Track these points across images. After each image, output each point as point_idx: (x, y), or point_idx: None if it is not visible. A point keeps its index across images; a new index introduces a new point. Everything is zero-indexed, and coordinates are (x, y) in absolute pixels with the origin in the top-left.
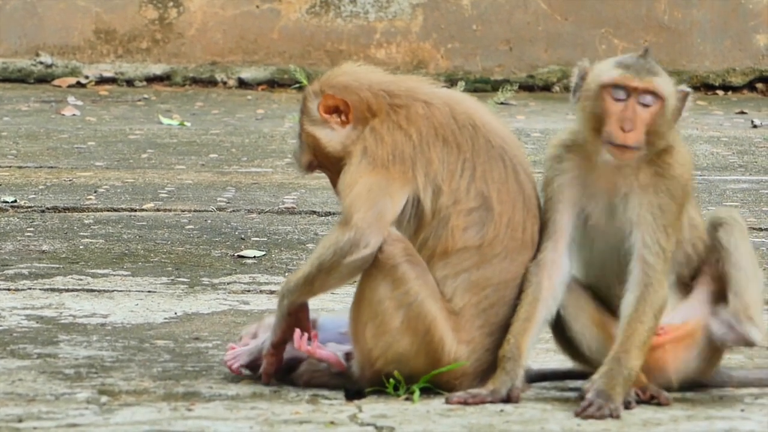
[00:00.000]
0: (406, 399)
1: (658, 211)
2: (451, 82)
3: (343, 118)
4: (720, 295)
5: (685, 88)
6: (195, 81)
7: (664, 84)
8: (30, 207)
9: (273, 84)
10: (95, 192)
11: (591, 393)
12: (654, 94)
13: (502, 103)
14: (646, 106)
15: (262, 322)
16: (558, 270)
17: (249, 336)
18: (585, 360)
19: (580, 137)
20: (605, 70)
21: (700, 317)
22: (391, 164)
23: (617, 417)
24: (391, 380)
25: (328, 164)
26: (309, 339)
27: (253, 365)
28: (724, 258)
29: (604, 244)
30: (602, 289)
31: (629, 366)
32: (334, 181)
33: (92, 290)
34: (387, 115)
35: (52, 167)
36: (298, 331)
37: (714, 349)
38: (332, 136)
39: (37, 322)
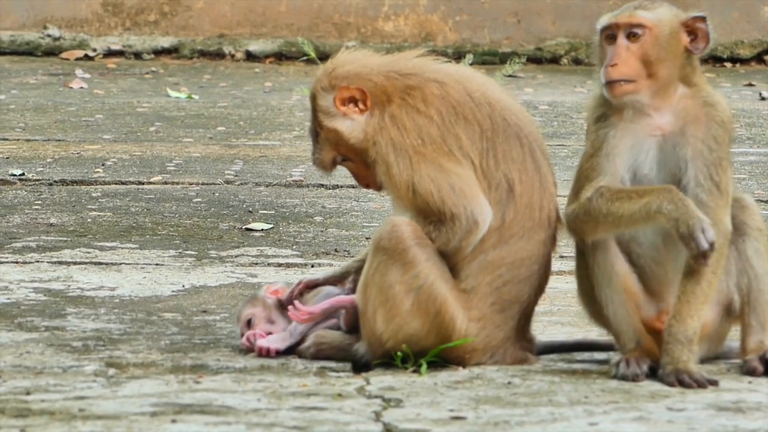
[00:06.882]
0: (414, 372)
1: (713, 143)
2: (459, 54)
3: (361, 106)
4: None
5: (697, 13)
6: (203, 54)
7: (651, 14)
8: (38, 180)
9: (281, 57)
10: (103, 165)
11: (667, 370)
12: (639, 25)
13: (510, 76)
14: (634, 39)
15: (245, 311)
16: None
17: (245, 325)
18: (604, 322)
19: None
20: (600, 21)
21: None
22: (423, 147)
23: (713, 384)
24: (399, 353)
25: (352, 155)
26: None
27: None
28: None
29: None
30: (642, 253)
31: (687, 335)
32: (358, 173)
33: (100, 263)
34: (402, 98)
35: (59, 140)
36: (291, 307)
37: (720, 337)
38: (354, 127)
39: (45, 295)
